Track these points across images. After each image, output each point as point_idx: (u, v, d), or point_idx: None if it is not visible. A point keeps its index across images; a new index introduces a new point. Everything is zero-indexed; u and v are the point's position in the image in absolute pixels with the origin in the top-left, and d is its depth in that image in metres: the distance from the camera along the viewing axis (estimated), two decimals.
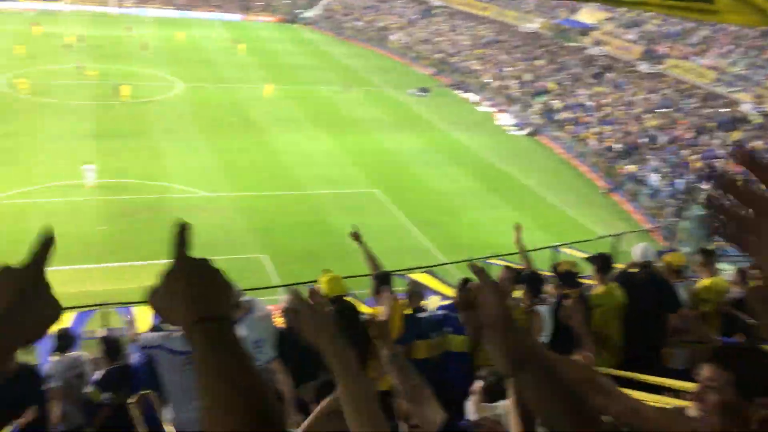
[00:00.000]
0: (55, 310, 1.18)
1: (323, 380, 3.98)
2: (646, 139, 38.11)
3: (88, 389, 6.65)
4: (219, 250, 22.42)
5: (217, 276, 1.22)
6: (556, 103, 45.90)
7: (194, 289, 1.18)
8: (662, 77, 45.68)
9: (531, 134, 43.19)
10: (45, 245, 1.20)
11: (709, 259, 7.35)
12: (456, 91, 53.21)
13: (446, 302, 8.74)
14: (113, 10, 73.07)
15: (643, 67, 47.08)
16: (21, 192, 27.61)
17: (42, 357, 7.11)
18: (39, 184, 28.45)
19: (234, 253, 22.66)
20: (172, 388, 5.29)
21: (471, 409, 4.02)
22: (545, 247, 13.66)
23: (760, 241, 1.19)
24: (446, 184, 33.16)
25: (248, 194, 29.53)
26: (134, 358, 6.86)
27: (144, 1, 76.34)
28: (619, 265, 7.99)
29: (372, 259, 7.00)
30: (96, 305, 10.57)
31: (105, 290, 15.95)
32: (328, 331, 1.85)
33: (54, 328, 1.18)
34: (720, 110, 39.53)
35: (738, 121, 38.13)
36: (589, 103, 45.02)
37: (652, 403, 2.40)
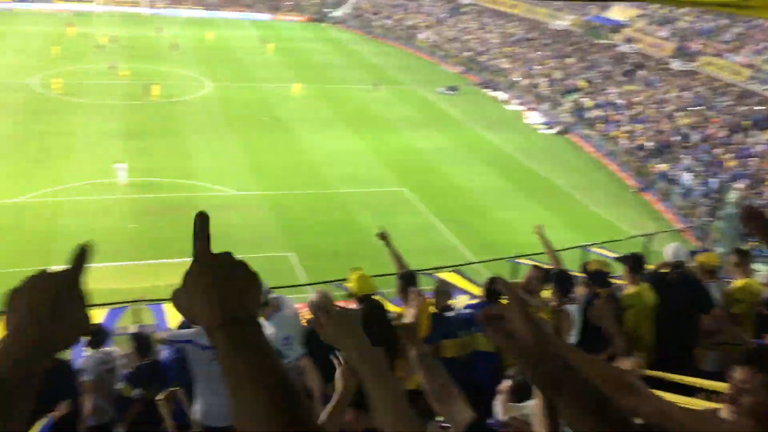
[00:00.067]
0: (84, 321, 1.17)
1: None
2: (679, 138, 37.56)
3: (119, 385, 6.75)
4: (247, 248, 22.61)
5: (242, 271, 1.17)
6: (587, 101, 45.45)
7: (218, 289, 1.13)
8: (695, 75, 44.97)
9: (561, 133, 42.82)
10: (82, 255, 1.20)
11: (743, 259, 7.22)
12: (484, 90, 52.96)
13: (474, 301, 8.71)
14: (145, 10, 74.04)
15: (676, 64, 46.39)
16: (54, 190, 28.12)
17: (75, 351, 7.23)
18: (72, 182, 28.96)
19: (262, 252, 22.82)
20: (201, 383, 5.36)
21: (499, 409, 4.01)
22: (575, 247, 13.55)
23: None
24: (475, 182, 33.03)
25: (276, 193, 29.71)
26: (164, 354, 6.96)
27: (175, 2, 77.22)
28: (650, 266, 7.89)
29: (398, 259, 6.99)
30: (128, 302, 10.75)
31: (136, 287, 16.16)
32: (352, 334, 1.85)
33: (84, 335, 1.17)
34: (755, 108, 38.80)
35: None
36: (619, 101, 44.51)
37: (683, 405, 2.37)
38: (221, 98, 44.75)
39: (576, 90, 48.08)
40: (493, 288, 6.90)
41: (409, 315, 5.92)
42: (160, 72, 49.19)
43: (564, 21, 59.64)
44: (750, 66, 41.55)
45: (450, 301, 7.25)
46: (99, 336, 6.94)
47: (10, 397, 1.03)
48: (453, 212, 28.98)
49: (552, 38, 59.27)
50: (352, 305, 6.66)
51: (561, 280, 6.58)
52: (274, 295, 5.78)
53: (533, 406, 2.95)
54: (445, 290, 7.22)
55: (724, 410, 2.13)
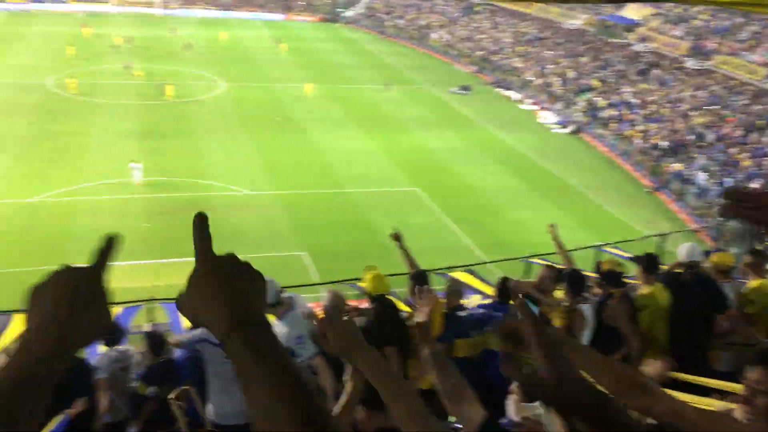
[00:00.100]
0: (104, 319, 1.15)
1: None
2: (693, 137, 37.30)
3: (134, 383, 6.81)
4: (260, 247, 22.72)
5: (247, 272, 1.15)
6: (600, 101, 45.22)
7: (224, 292, 1.10)
8: (710, 73, 44.63)
9: (574, 132, 42.64)
10: (107, 249, 1.18)
11: (758, 260, 7.16)
12: (497, 89, 52.82)
13: (487, 301, 8.70)
14: (159, 11, 74.46)
15: (691, 63, 46.06)
16: (70, 190, 28.32)
17: (90, 349, 7.28)
18: (86, 182, 29.17)
19: (275, 251, 22.91)
20: (215, 382, 5.39)
21: (511, 409, 4.01)
22: (588, 247, 13.49)
23: None
24: (487, 182, 32.95)
25: (289, 193, 29.79)
26: (178, 353, 7.00)
27: (188, 2, 77.61)
28: (664, 266, 7.84)
29: (410, 261, 6.99)
30: (142, 301, 10.81)
31: (151, 286, 16.25)
32: (356, 346, 1.85)
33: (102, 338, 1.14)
34: None
35: None
36: (633, 100, 44.25)
37: (697, 405, 2.36)
38: (234, 98, 44.92)
39: (589, 89, 47.85)
40: (506, 287, 6.90)
41: (422, 314, 5.92)
42: (174, 72, 49.45)
43: (577, 20, 59.37)
44: (766, 65, 41.18)
45: (462, 301, 7.25)
46: (114, 334, 6.99)
47: (27, 396, 1.02)
48: (465, 212, 28.93)
49: (565, 37, 59.02)
50: (366, 304, 6.69)
51: (573, 280, 6.56)
52: (286, 294, 5.80)
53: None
54: (456, 290, 7.22)
55: (738, 411, 2.12)
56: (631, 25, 53.83)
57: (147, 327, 10.43)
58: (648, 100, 43.75)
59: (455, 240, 26.41)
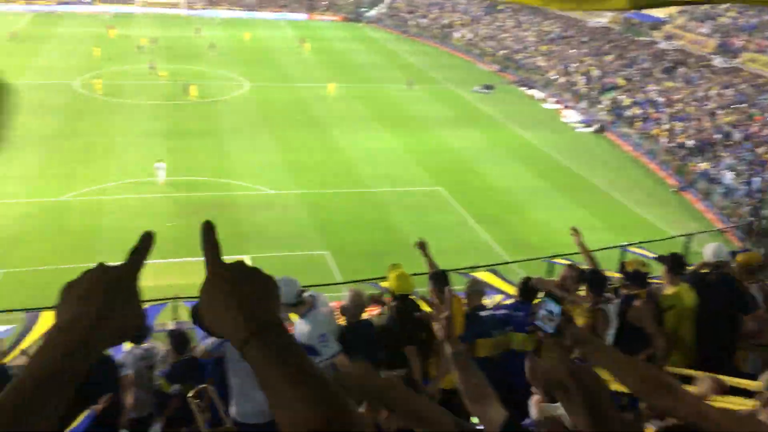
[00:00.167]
0: (135, 318, 1.15)
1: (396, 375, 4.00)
2: (720, 136, 36.78)
3: (158, 380, 6.88)
4: (283, 246, 22.83)
5: (258, 278, 1.14)
6: (625, 99, 44.78)
7: (237, 299, 1.10)
8: (737, 71, 43.99)
9: (598, 131, 42.26)
10: (142, 248, 1.20)
11: None
12: (521, 88, 52.54)
13: (509, 301, 8.66)
14: (183, 12, 75.15)
15: (717, 61, 45.45)
16: (95, 189, 28.70)
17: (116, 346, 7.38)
18: (112, 181, 29.54)
19: (298, 250, 22.98)
20: (237, 381, 5.42)
21: (533, 409, 3.99)
22: (613, 247, 13.37)
23: None
24: (511, 181, 32.79)
25: (313, 192, 29.89)
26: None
27: (213, 3, 78.22)
28: (690, 267, 7.75)
29: (434, 269, 6.94)
30: (166, 299, 10.92)
31: (174, 284, 16.40)
32: (372, 393, 1.87)
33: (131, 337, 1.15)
34: None
35: None
36: (659, 98, 43.75)
37: (723, 405, 2.34)
38: (258, 98, 45.18)
39: (614, 88, 47.41)
40: (528, 287, 6.86)
41: (444, 312, 5.91)
42: (198, 72, 49.88)
43: (602, 18, 58.88)
44: None
45: (484, 301, 7.22)
46: (140, 332, 7.07)
47: (50, 392, 1.01)
48: (489, 211, 28.82)
49: (590, 36, 58.55)
50: (389, 302, 6.69)
51: (595, 281, 6.52)
52: (309, 292, 5.81)
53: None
54: (477, 290, 7.19)
55: (762, 412, 2.10)
56: (657, 23, 53.27)
57: (171, 325, 10.54)
58: (674, 99, 43.23)
59: (478, 239, 26.32)
